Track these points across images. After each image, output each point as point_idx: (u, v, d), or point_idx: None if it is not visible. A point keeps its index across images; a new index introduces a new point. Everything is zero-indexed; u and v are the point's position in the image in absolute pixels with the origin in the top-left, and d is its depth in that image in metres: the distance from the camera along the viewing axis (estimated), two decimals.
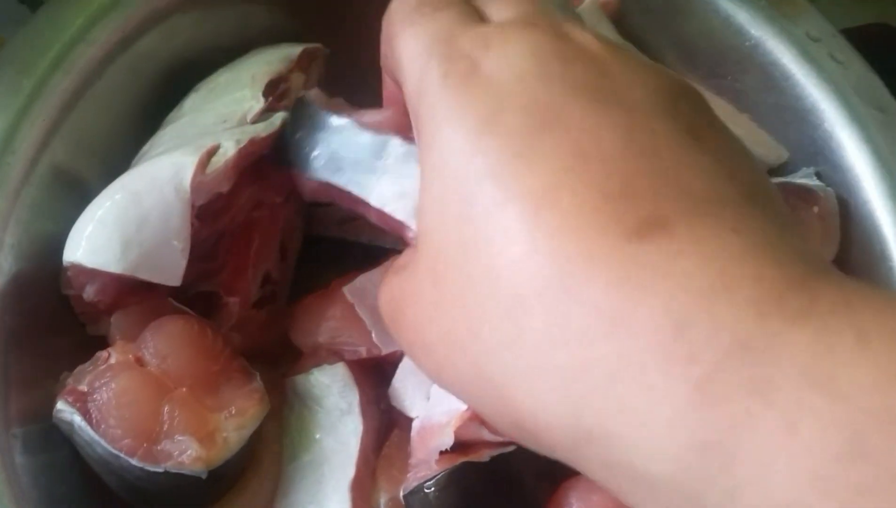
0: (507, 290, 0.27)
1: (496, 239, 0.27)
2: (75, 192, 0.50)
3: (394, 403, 0.53)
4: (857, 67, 0.56)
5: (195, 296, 0.51)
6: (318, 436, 0.50)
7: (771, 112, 0.58)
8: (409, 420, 0.53)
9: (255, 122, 0.50)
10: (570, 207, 0.26)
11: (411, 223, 0.44)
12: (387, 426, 0.53)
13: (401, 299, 0.34)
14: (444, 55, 0.32)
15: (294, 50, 0.55)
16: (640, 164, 0.27)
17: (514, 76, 0.30)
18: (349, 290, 0.53)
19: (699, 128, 0.30)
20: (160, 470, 0.43)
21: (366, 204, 0.46)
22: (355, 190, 0.47)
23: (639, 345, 0.24)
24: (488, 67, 0.30)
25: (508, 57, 0.31)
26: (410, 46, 0.34)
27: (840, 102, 0.55)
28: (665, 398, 0.24)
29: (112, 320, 0.48)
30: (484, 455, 0.49)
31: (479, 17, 0.34)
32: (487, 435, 0.49)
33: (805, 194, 0.54)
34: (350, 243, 0.58)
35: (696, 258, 0.25)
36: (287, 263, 0.57)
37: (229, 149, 0.48)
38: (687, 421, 0.24)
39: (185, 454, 0.44)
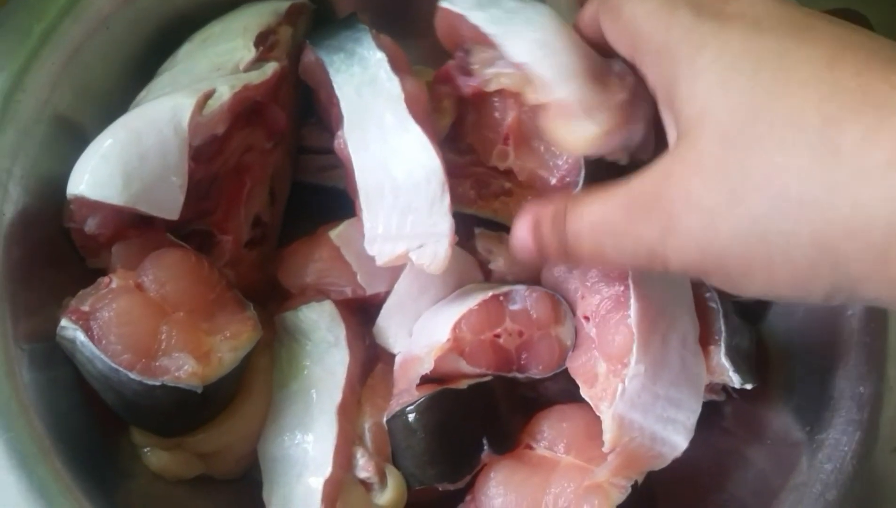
0: (814, 120, 0.34)
1: (795, 89, 0.35)
2: (77, 135, 0.53)
3: (378, 340, 0.56)
4: None
5: (190, 234, 0.54)
6: (306, 366, 0.53)
7: None
8: (392, 356, 0.56)
9: (247, 70, 0.54)
10: (857, 62, 0.34)
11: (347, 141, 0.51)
12: (371, 360, 0.56)
13: (667, 178, 0.39)
14: (689, 2, 0.40)
15: (282, 4, 0.59)
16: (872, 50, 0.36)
17: (763, 6, 0.39)
18: (335, 235, 0.56)
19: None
20: (157, 384, 0.46)
21: (333, 97, 0.53)
22: (335, 84, 0.53)
23: None
24: (733, 6, 0.39)
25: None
26: (647, 6, 0.42)
27: None
28: None
29: (113, 250, 0.51)
30: (462, 384, 0.52)
31: None
32: (465, 367, 0.52)
33: None
34: (336, 194, 0.61)
35: None
36: (276, 208, 0.60)
37: (224, 93, 0.51)
38: None
39: (182, 369, 0.46)
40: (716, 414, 0.56)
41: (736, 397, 0.56)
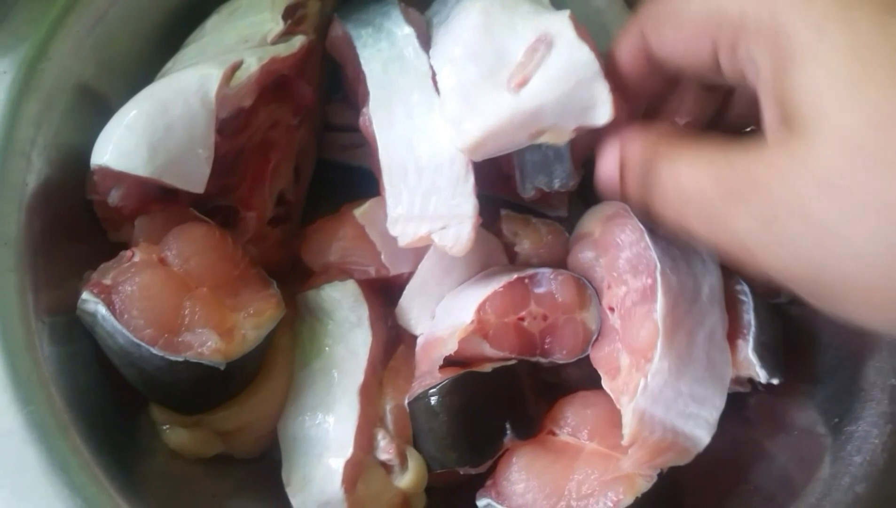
0: None
1: None
2: (102, 106, 0.52)
3: (400, 322, 0.55)
4: None
5: (214, 209, 0.54)
6: (328, 345, 0.52)
7: None
8: (415, 338, 0.55)
9: (275, 43, 0.53)
10: None
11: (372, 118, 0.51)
12: (393, 341, 0.55)
13: (771, 170, 0.34)
14: None
15: None
16: None
17: None
18: (360, 213, 0.55)
19: None
20: (180, 359, 0.45)
21: (359, 73, 0.52)
22: (362, 60, 0.52)
23: None
24: None
25: None
26: None
27: None
28: None
29: (136, 223, 0.50)
30: (486, 367, 0.51)
31: None
32: (489, 351, 0.51)
33: None
34: (361, 173, 0.60)
35: None
36: (301, 186, 0.60)
37: (252, 65, 0.50)
38: None
39: (206, 345, 0.46)
40: (740, 405, 0.56)
41: (762, 389, 0.55)
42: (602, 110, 0.44)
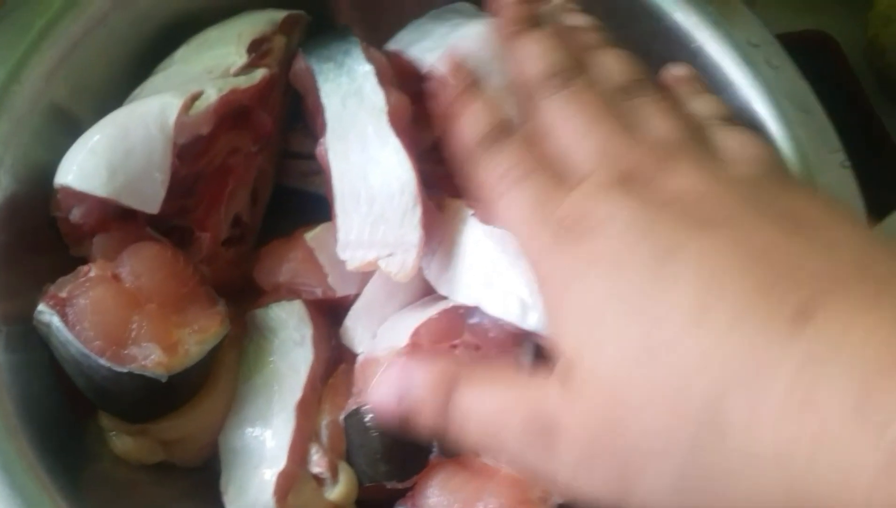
0: (699, 388, 0.31)
1: (675, 346, 0.31)
2: (70, 127, 0.55)
3: (343, 341, 0.58)
4: (789, 72, 0.62)
5: (171, 229, 0.57)
6: (271, 362, 0.55)
7: None
8: (356, 356, 0.58)
9: (237, 75, 0.56)
10: (730, 306, 0.31)
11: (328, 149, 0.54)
12: (335, 360, 0.58)
13: (557, 422, 0.36)
14: (547, 221, 0.41)
15: (278, 15, 0.62)
16: (764, 265, 0.32)
17: (624, 225, 0.36)
18: (311, 237, 0.58)
19: (787, 209, 0.36)
20: (125, 370, 0.48)
21: (319, 105, 0.55)
22: (322, 93, 0.56)
23: (831, 420, 0.28)
24: (594, 223, 0.37)
25: (612, 214, 0.37)
26: (512, 212, 0.44)
27: (771, 103, 0.60)
28: (862, 467, 0.27)
29: (94, 241, 0.53)
30: None
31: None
32: None
33: None
34: (317, 199, 0.63)
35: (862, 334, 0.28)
36: (257, 209, 0.63)
37: (212, 95, 0.54)
38: (882, 484, 0.26)
39: (149, 358, 0.49)
40: None
41: None
42: None
